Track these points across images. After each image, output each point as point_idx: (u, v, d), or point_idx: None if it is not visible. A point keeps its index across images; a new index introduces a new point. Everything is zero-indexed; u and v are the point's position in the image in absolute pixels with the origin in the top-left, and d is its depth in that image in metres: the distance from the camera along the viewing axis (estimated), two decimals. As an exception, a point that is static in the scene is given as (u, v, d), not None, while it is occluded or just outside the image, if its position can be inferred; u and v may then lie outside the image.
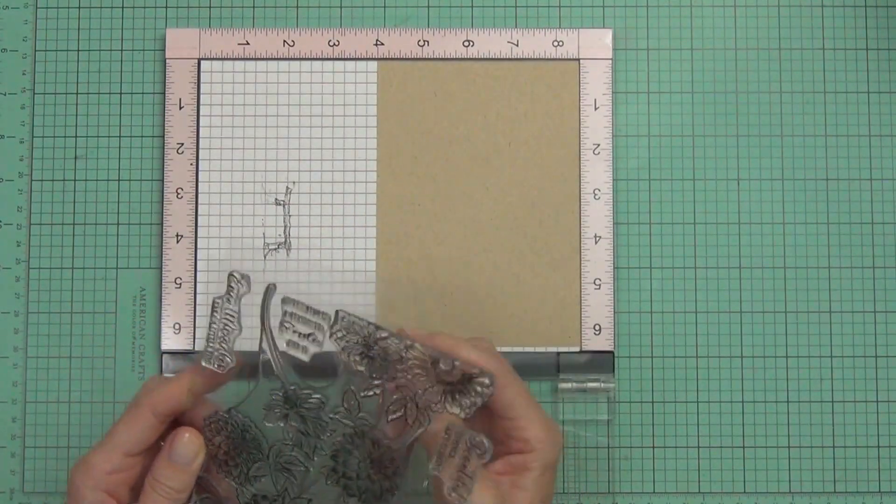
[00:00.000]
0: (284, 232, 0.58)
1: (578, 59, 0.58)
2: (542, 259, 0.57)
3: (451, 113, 0.58)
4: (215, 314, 0.46)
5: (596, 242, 0.57)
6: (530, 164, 0.58)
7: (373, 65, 0.58)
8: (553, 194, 0.58)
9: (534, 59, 0.58)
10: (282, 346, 0.46)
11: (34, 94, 0.59)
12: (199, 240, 0.58)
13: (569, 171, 0.58)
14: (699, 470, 0.57)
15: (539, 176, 0.58)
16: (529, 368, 0.57)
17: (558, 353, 0.57)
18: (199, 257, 0.57)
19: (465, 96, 0.58)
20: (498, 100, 0.58)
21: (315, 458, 0.45)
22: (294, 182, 0.58)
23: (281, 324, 0.45)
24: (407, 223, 0.58)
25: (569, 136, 0.58)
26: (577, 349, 0.57)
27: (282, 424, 0.46)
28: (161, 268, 0.58)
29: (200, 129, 0.58)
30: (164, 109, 0.58)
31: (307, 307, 0.45)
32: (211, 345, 0.46)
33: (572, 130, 0.58)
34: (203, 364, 0.46)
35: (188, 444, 0.46)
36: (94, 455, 0.46)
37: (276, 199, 0.58)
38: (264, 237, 0.58)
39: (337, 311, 0.45)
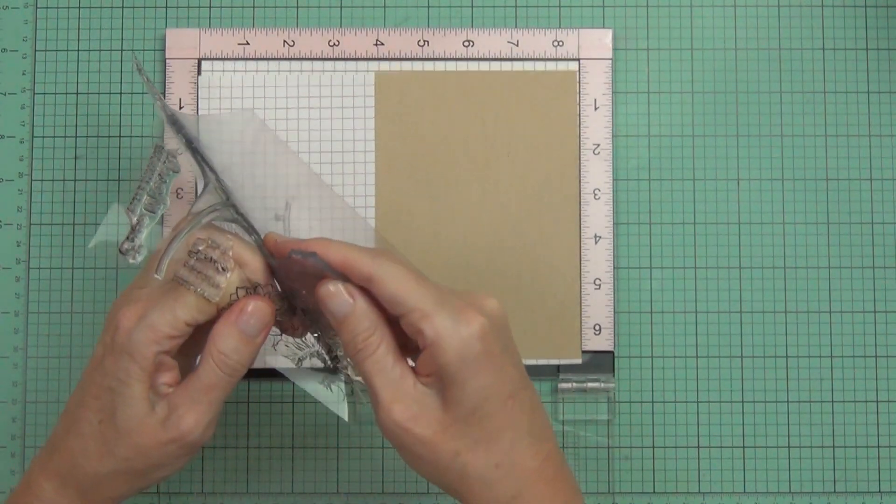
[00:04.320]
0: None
1: (578, 59, 0.58)
2: (541, 261, 0.57)
3: (450, 117, 0.58)
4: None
5: (596, 242, 0.57)
6: (530, 165, 0.58)
7: (371, 76, 0.58)
8: (553, 194, 0.58)
9: (533, 59, 0.58)
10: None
11: (34, 94, 0.59)
12: (199, 240, 0.57)
13: (569, 171, 0.58)
14: (699, 470, 0.57)
15: (539, 176, 0.58)
16: (529, 369, 0.57)
17: (558, 367, 0.57)
18: (199, 257, 0.57)
19: (463, 102, 0.58)
20: (497, 104, 0.58)
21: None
22: (293, 196, 0.57)
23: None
24: (406, 227, 0.58)
25: (568, 137, 0.58)
26: (578, 361, 0.57)
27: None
28: (161, 268, 0.58)
29: (200, 129, 0.58)
30: (164, 109, 0.58)
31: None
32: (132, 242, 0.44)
33: (572, 131, 0.58)
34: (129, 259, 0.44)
35: (256, 313, 0.43)
36: (158, 316, 0.42)
37: (275, 214, 0.57)
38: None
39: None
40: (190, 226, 0.43)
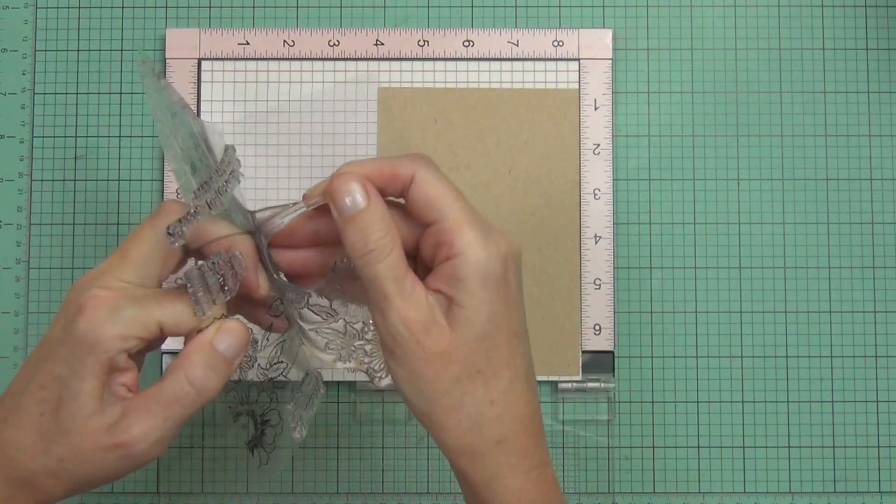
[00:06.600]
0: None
1: (578, 59, 0.58)
2: (546, 258, 0.57)
3: (452, 133, 0.58)
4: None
5: (596, 242, 0.57)
6: (531, 183, 0.58)
7: (374, 91, 0.58)
8: (553, 194, 0.58)
9: (533, 59, 0.58)
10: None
11: (34, 94, 0.59)
12: (199, 240, 0.57)
13: (569, 171, 0.58)
14: (699, 470, 0.57)
15: (539, 190, 0.58)
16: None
17: (558, 383, 0.57)
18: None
19: (465, 118, 0.58)
20: (499, 121, 0.58)
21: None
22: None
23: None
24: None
25: (570, 153, 0.58)
26: (578, 377, 0.57)
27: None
28: (161, 268, 0.58)
29: (200, 129, 0.58)
30: (164, 109, 0.58)
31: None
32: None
33: (573, 148, 0.58)
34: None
35: (237, 335, 0.41)
36: (135, 313, 0.39)
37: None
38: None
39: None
40: (220, 236, 0.41)
